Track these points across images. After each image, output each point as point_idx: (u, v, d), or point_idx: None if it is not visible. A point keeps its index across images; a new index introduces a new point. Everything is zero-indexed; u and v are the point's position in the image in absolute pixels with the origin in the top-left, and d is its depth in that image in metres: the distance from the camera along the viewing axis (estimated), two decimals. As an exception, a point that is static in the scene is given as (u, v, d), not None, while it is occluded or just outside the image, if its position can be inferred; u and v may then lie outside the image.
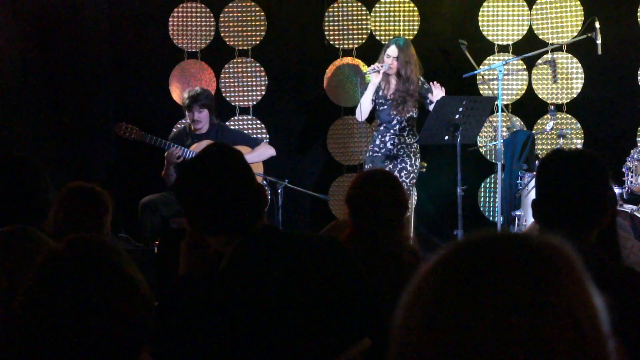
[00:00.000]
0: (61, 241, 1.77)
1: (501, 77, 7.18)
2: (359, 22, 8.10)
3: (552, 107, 7.51)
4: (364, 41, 8.10)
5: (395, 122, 7.07)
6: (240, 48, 8.15)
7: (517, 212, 6.93)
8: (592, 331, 1.08)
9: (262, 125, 8.13)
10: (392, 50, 7.02)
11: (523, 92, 7.95)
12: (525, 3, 7.92)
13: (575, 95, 7.88)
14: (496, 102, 7.16)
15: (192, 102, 7.12)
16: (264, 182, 6.98)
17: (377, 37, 8.08)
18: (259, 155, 7.30)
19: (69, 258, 1.73)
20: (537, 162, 7.03)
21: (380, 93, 7.13)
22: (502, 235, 1.16)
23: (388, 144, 7.05)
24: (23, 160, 3.44)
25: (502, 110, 7.40)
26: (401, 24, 8.05)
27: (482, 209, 8.03)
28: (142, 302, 1.72)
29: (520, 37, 7.93)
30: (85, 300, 1.66)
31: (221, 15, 8.13)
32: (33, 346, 1.68)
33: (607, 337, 1.10)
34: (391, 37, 8.01)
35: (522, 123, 7.89)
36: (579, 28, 7.71)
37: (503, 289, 1.08)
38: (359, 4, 8.08)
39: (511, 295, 1.07)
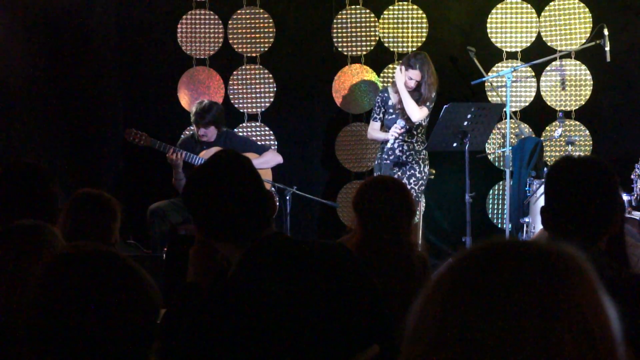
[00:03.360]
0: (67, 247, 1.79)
1: (509, 84, 7.18)
2: (368, 29, 8.11)
3: (560, 114, 7.49)
4: (372, 48, 8.11)
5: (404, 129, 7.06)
6: (249, 55, 8.16)
7: (526, 219, 6.92)
8: (604, 338, 1.08)
9: (271, 132, 8.14)
10: (416, 74, 6.92)
11: (531, 99, 7.94)
12: (533, 10, 7.91)
13: (583, 102, 7.86)
14: (504, 109, 7.15)
15: (198, 120, 7.14)
16: (273, 188, 6.98)
17: (386, 44, 8.09)
18: (266, 161, 7.31)
19: (74, 257, 1.74)
20: (545, 169, 7.03)
21: (390, 103, 7.12)
22: (513, 242, 1.16)
23: (397, 151, 7.04)
24: (33, 166, 3.46)
25: (511, 117, 7.40)
26: (409, 31, 8.05)
27: (490, 216, 8.01)
28: (148, 299, 1.72)
29: (528, 44, 7.93)
30: (91, 299, 1.67)
31: (230, 22, 8.14)
32: (40, 345, 1.69)
33: (619, 344, 1.10)
34: (399, 44, 8.03)
35: (531, 130, 7.88)
36: (588, 35, 7.70)
37: (515, 296, 1.08)
38: (368, 10, 8.09)
39: (523, 302, 1.07)
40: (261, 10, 8.13)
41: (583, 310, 1.08)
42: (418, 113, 6.92)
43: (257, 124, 8.17)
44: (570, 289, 1.09)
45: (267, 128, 8.15)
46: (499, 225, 7.92)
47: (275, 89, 8.15)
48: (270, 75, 8.14)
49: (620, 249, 2.64)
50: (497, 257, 1.12)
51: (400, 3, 8.07)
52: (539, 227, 6.34)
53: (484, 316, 1.07)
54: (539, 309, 1.07)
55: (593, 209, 2.49)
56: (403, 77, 6.97)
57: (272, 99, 8.16)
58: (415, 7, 8.04)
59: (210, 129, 7.18)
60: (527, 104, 7.96)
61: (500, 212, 7.96)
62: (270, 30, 8.13)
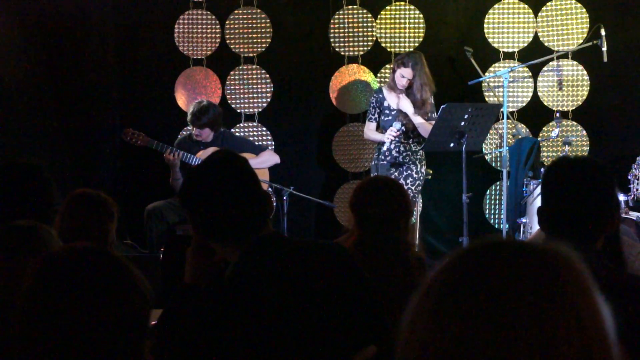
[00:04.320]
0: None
1: (507, 84, 7.18)
2: (365, 29, 8.11)
3: (557, 114, 7.50)
4: (369, 48, 8.11)
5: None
6: (246, 55, 8.16)
7: (523, 220, 6.93)
8: (598, 338, 1.09)
9: (268, 132, 8.14)
10: (408, 73, 6.92)
11: (529, 99, 7.95)
12: (530, 10, 7.92)
13: (580, 103, 7.87)
14: (502, 109, 7.15)
15: (194, 120, 7.15)
16: (270, 189, 6.98)
17: (383, 44, 8.09)
18: (263, 161, 7.31)
19: (64, 257, 1.74)
20: (542, 169, 7.04)
21: (385, 104, 7.12)
22: (507, 242, 1.16)
23: (393, 152, 7.03)
24: (30, 167, 3.46)
25: (508, 118, 7.40)
26: (407, 31, 8.06)
27: (487, 216, 8.02)
28: (140, 298, 1.72)
29: (525, 44, 7.93)
30: (82, 298, 1.67)
31: (227, 22, 8.14)
32: (31, 345, 1.69)
33: (613, 344, 1.10)
34: (397, 44, 8.04)
35: (528, 130, 7.88)
36: (585, 35, 7.71)
37: (508, 296, 1.08)
38: (365, 10, 8.09)
39: (516, 301, 1.08)
40: (258, 10, 8.13)
41: (577, 310, 1.08)
42: (406, 102, 6.95)
43: (254, 124, 8.17)
44: (564, 289, 1.09)
45: (264, 128, 8.15)
46: (496, 226, 7.92)
47: (272, 89, 8.15)
48: (268, 75, 8.14)
49: (617, 249, 2.64)
50: (490, 257, 1.13)
51: (398, 3, 8.07)
52: (535, 227, 6.34)
53: (478, 316, 1.07)
54: (533, 309, 1.07)
55: (589, 209, 2.49)
56: (410, 107, 6.94)
57: (269, 99, 8.15)
58: (412, 7, 8.04)
59: (205, 130, 7.19)
60: (524, 104, 7.96)
61: (497, 212, 7.96)
62: (268, 30, 8.13)
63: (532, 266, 1.11)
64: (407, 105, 6.94)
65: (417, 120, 6.93)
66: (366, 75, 8.10)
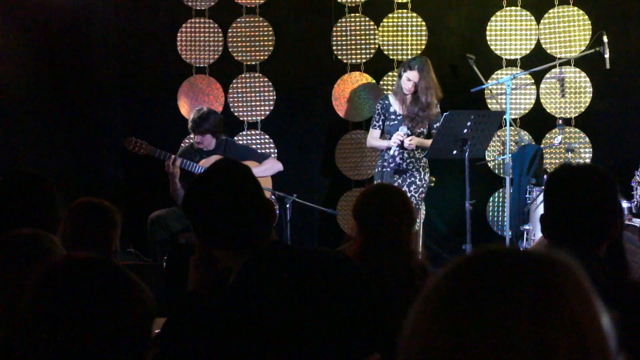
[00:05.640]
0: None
1: (509, 92, 7.18)
2: (367, 37, 8.12)
3: (560, 121, 7.50)
4: (372, 56, 8.12)
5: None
6: (249, 63, 8.17)
7: (526, 227, 6.93)
8: (598, 346, 1.08)
9: (271, 140, 8.14)
10: (414, 75, 6.92)
11: (531, 106, 7.95)
12: (533, 17, 7.92)
13: (583, 110, 7.87)
14: (504, 117, 7.15)
15: (194, 127, 7.16)
16: (273, 197, 6.98)
17: (385, 52, 8.10)
18: (266, 169, 7.32)
19: (66, 266, 1.75)
20: (545, 176, 7.03)
21: (391, 109, 7.12)
22: (507, 250, 1.16)
23: (397, 159, 7.03)
24: (33, 175, 3.47)
25: (511, 125, 7.40)
26: (409, 38, 8.06)
27: (490, 223, 8.01)
28: (142, 308, 1.73)
29: (528, 52, 7.94)
30: (84, 307, 1.67)
31: (229, 30, 8.15)
32: (34, 354, 1.69)
33: (614, 353, 1.10)
34: (399, 52, 8.04)
35: (531, 137, 7.88)
36: (587, 42, 7.71)
37: (508, 303, 1.08)
38: (367, 18, 8.10)
39: (516, 309, 1.08)
40: (261, 19, 8.14)
41: (576, 318, 1.08)
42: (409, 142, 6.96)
43: (257, 132, 8.17)
44: (564, 297, 1.09)
45: (266, 136, 8.15)
46: (499, 233, 7.91)
47: (275, 97, 8.16)
48: (270, 84, 8.15)
49: (620, 255, 2.64)
50: (490, 265, 1.13)
51: (400, 11, 8.08)
52: (539, 234, 6.34)
53: (477, 324, 1.08)
54: (532, 317, 1.07)
55: (592, 216, 2.49)
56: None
57: (271, 107, 8.16)
58: (414, 14, 8.05)
59: (206, 137, 7.19)
60: (526, 111, 7.96)
61: (500, 219, 7.96)
62: (270, 38, 8.14)
63: (531, 274, 1.11)
64: (417, 141, 6.95)
65: (424, 142, 6.96)
66: (369, 83, 8.11)
